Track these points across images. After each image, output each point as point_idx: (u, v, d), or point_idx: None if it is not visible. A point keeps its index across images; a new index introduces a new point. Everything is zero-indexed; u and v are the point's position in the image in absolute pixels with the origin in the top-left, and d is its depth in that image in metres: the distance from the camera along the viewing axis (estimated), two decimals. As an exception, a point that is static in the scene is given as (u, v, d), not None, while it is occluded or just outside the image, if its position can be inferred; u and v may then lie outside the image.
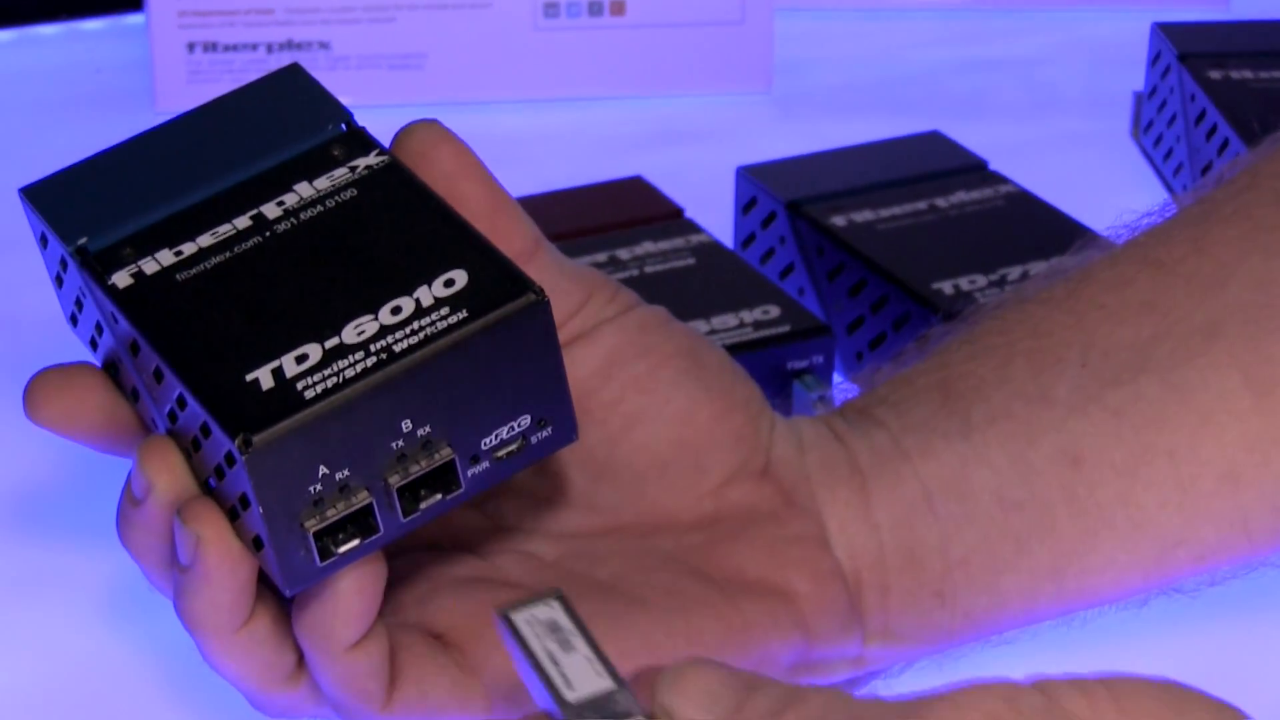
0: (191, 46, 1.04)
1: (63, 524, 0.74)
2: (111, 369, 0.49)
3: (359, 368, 0.44)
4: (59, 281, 0.50)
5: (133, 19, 1.16)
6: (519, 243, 0.50)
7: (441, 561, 0.52)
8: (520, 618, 0.42)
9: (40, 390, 0.50)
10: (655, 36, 1.06)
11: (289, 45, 1.05)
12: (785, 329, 0.76)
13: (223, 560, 0.46)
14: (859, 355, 0.81)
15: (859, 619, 0.54)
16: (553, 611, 0.43)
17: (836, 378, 0.78)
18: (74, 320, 0.51)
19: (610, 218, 0.84)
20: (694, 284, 0.78)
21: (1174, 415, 0.54)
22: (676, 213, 0.85)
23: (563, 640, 0.42)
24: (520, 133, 1.04)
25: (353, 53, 1.05)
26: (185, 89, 1.04)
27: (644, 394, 0.52)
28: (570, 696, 0.41)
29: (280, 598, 0.48)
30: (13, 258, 0.91)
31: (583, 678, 0.42)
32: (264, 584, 0.48)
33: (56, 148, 1.02)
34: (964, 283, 0.78)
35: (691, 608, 0.51)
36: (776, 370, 0.75)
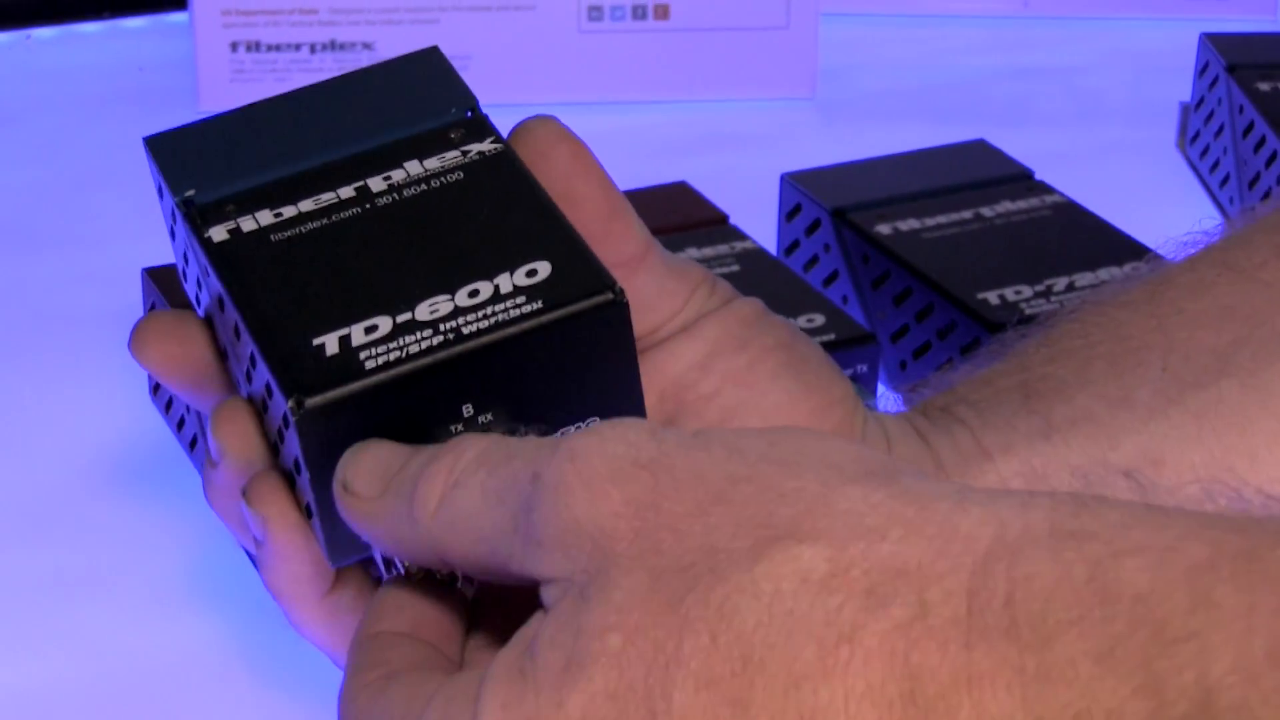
0: (235, 46, 1.04)
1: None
2: (209, 323, 0.49)
3: (424, 345, 0.44)
4: (172, 234, 0.50)
5: (174, 17, 1.16)
6: (632, 245, 0.50)
7: None
8: None
9: (147, 331, 0.50)
10: (699, 40, 1.06)
11: (333, 46, 1.05)
12: (830, 337, 0.75)
13: (292, 539, 0.46)
14: (903, 364, 0.80)
15: None
16: None
17: (880, 387, 0.78)
18: (183, 274, 0.51)
19: (654, 223, 0.82)
20: (739, 291, 0.78)
21: (1255, 418, 0.54)
22: (721, 219, 0.84)
23: None
24: (563, 136, 1.03)
25: (396, 53, 1.04)
26: (228, 88, 1.04)
27: (742, 387, 0.52)
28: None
29: (364, 562, 0.48)
30: (58, 255, 0.92)
31: None
32: None
33: (98, 145, 1.03)
34: (1009, 293, 0.78)
35: None
36: (821, 379, 0.75)
